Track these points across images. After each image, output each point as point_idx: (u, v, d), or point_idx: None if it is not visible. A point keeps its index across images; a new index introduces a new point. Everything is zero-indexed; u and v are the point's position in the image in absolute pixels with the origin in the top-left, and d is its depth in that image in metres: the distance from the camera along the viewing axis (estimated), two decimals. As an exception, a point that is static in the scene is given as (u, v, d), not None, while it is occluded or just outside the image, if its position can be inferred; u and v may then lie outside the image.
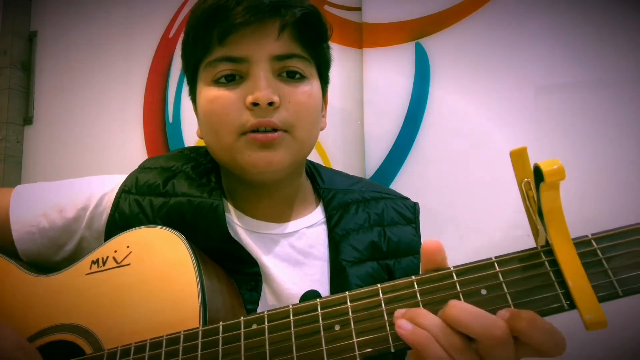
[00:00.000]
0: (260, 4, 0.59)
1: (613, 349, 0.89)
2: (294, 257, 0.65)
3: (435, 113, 1.08)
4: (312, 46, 0.65)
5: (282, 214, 0.69)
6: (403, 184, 1.08)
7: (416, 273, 0.66)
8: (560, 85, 1.00)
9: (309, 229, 0.68)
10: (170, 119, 1.37)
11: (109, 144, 1.45)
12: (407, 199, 0.76)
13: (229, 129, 0.61)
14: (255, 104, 0.59)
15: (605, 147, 0.95)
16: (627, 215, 0.93)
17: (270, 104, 0.60)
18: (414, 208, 0.74)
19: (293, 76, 0.63)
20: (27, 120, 1.58)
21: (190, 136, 1.34)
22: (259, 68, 0.60)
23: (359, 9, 1.18)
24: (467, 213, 1.03)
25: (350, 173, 0.83)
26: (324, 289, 0.64)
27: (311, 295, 0.63)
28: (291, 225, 0.68)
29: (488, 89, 1.05)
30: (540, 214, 0.43)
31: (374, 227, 0.68)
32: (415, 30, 1.12)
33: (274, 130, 0.61)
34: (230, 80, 0.62)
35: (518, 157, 0.43)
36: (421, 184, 1.07)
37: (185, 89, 1.35)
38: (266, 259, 0.64)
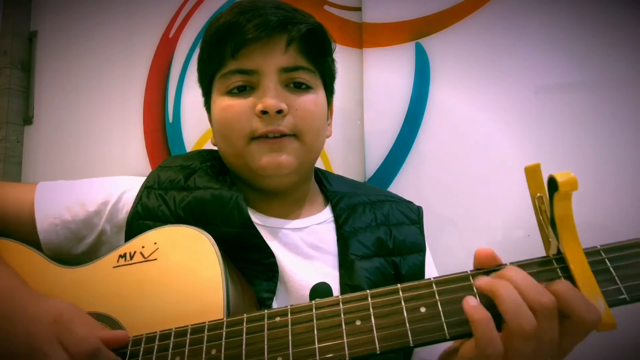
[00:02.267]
0: (269, 21, 0.64)
1: (615, 349, 0.89)
2: (305, 250, 0.68)
3: (435, 113, 1.08)
4: (317, 59, 0.70)
5: (292, 213, 0.72)
6: (403, 184, 1.08)
7: (421, 270, 0.69)
8: (560, 85, 1.00)
9: (319, 226, 0.72)
10: (170, 119, 1.38)
11: (109, 144, 1.45)
12: (411, 202, 0.79)
13: (240, 135, 0.66)
14: (264, 112, 0.64)
15: (605, 147, 0.96)
16: (627, 215, 0.93)
17: (279, 111, 0.65)
18: (418, 211, 0.77)
19: (299, 86, 0.68)
20: (27, 120, 1.58)
21: (191, 136, 1.34)
22: (268, 79, 0.66)
23: (359, 9, 1.18)
24: (467, 213, 1.03)
25: (350, 173, 0.84)
26: (334, 282, 0.66)
27: (321, 287, 0.65)
28: (302, 222, 0.71)
29: (488, 89, 1.05)
30: (552, 224, 0.45)
31: (380, 226, 0.71)
32: (415, 30, 1.12)
33: (282, 135, 0.65)
34: (242, 90, 0.67)
35: (532, 172, 0.46)
36: (421, 184, 1.07)
37: (186, 89, 1.36)
38: (278, 251, 0.66)
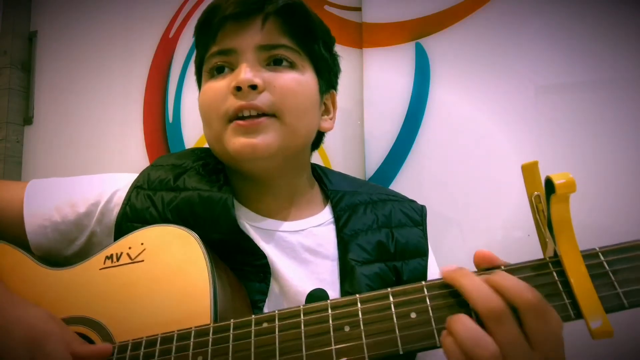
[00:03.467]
0: (246, 0, 0.63)
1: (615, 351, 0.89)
2: (302, 255, 0.66)
3: (435, 113, 1.08)
4: (302, 40, 0.66)
5: (289, 213, 0.70)
6: (403, 184, 1.08)
7: (423, 275, 0.68)
8: (560, 85, 1.00)
9: (317, 228, 0.69)
10: (170, 119, 1.38)
11: (109, 144, 1.45)
12: (414, 201, 0.76)
13: (216, 117, 0.64)
14: (238, 89, 0.61)
15: (605, 147, 0.95)
16: (627, 216, 0.93)
17: (254, 87, 0.61)
18: (422, 211, 0.74)
19: (279, 63, 0.65)
20: (27, 120, 1.58)
21: (191, 136, 1.34)
22: (245, 57, 0.63)
23: (359, 9, 1.18)
24: (467, 213, 1.03)
25: (350, 173, 0.83)
26: (332, 288, 0.64)
27: (318, 293, 0.63)
28: (299, 224, 0.69)
29: (488, 89, 1.05)
30: (549, 226, 0.43)
31: (381, 229, 0.68)
32: (415, 30, 1.12)
33: (259, 115, 0.62)
34: (221, 72, 0.65)
35: (529, 170, 0.45)
36: (421, 184, 1.07)
37: (186, 89, 1.36)
38: (274, 255, 0.64)
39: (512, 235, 0.99)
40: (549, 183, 0.42)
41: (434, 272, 0.71)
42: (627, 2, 0.97)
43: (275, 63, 0.64)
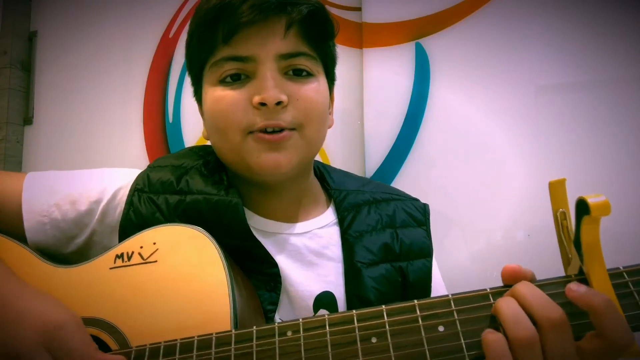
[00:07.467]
0: (265, 2, 0.58)
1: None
2: (307, 257, 0.65)
3: (435, 113, 1.09)
4: (318, 44, 0.64)
5: (292, 214, 0.68)
6: (403, 184, 1.08)
7: (428, 276, 0.67)
8: (560, 85, 1.00)
9: (321, 230, 0.68)
10: (170, 119, 1.38)
11: (109, 144, 1.45)
12: (416, 200, 0.75)
13: (235, 129, 0.60)
14: (262, 104, 0.59)
15: (605, 147, 0.96)
16: (627, 216, 0.93)
17: (279, 103, 0.59)
18: (424, 210, 0.73)
19: (300, 74, 0.62)
20: (27, 120, 1.58)
21: (191, 136, 1.34)
22: (266, 67, 0.60)
23: (359, 9, 1.18)
24: (467, 213, 1.03)
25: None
26: (339, 290, 0.64)
27: (325, 297, 0.62)
28: (303, 226, 0.67)
29: (488, 89, 1.05)
30: (576, 244, 0.44)
31: (386, 229, 0.68)
32: (415, 30, 1.12)
33: (282, 130, 0.60)
34: (236, 79, 0.61)
35: (556, 187, 0.45)
36: (421, 183, 1.07)
37: (186, 89, 1.36)
38: (279, 259, 0.63)
39: (513, 235, 0.99)
40: (581, 204, 0.42)
41: (435, 274, 0.70)
42: (627, 2, 0.97)
43: (294, 73, 0.62)
